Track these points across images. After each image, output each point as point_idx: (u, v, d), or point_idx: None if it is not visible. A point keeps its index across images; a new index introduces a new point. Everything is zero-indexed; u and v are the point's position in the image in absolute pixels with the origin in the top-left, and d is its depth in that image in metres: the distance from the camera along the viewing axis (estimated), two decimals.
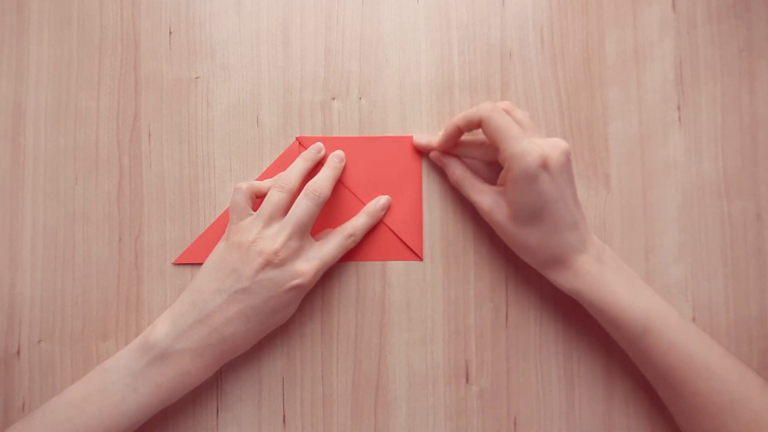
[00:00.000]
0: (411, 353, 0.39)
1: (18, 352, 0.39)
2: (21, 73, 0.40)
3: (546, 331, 0.39)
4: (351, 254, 0.39)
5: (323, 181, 0.36)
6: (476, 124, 0.35)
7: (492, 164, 0.39)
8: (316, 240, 0.37)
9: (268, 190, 0.37)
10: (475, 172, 0.38)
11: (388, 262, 0.40)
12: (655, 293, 0.36)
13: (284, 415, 0.39)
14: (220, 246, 0.36)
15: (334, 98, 0.40)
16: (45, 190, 0.40)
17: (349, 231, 0.37)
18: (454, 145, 0.38)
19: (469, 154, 0.39)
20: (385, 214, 0.39)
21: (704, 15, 0.41)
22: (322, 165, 0.38)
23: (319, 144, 0.39)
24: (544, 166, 0.33)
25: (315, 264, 0.35)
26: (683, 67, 0.41)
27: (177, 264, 0.39)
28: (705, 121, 0.40)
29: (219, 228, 0.39)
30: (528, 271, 0.40)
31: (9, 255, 0.39)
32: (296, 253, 0.35)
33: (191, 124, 0.40)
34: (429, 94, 0.40)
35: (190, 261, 0.39)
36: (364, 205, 0.39)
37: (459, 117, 0.36)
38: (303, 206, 0.35)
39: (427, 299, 0.40)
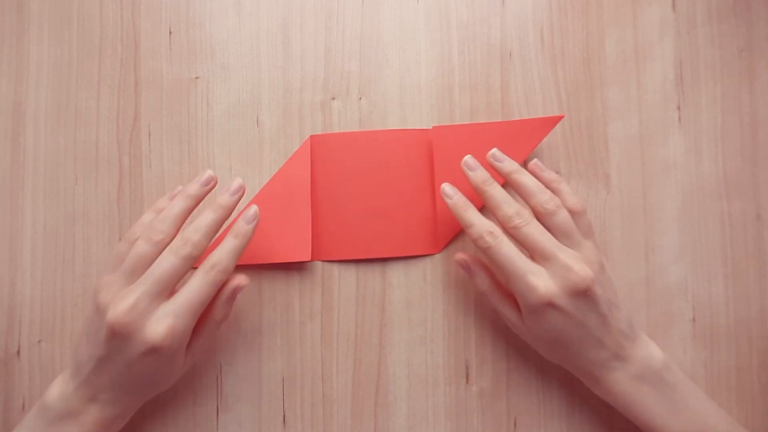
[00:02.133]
0: (411, 353, 0.39)
1: (18, 352, 0.39)
2: (21, 73, 0.40)
3: None
4: (354, 251, 0.39)
5: (196, 232, 0.31)
6: (482, 251, 0.33)
7: None
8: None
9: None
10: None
11: (388, 261, 0.40)
12: (705, 400, 0.34)
13: (284, 415, 0.39)
14: (91, 304, 0.32)
15: (334, 98, 0.40)
16: (45, 190, 0.40)
17: (212, 262, 0.31)
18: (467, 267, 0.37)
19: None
20: (399, 208, 0.38)
21: (704, 15, 0.41)
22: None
23: (208, 174, 0.33)
24: (549, 304, 0.31)
25: (167, 321, 0.29)
26: (683, 67, 0.41)
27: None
28: (705, 121, 0.40)
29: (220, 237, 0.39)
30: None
31: (9, 255, 0.39)
32: (145, 315, 0.30)
33: (191, 124, 0.40)
34: (429, 94, 0.40)
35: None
36: (374, 205, 0.38)
37: (471, 225, 0.33)
38: (165, 263, 0.30)
39: (427, 299, 0.40)
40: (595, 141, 0.40)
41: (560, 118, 0.38)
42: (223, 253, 0.31)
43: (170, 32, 0.41)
